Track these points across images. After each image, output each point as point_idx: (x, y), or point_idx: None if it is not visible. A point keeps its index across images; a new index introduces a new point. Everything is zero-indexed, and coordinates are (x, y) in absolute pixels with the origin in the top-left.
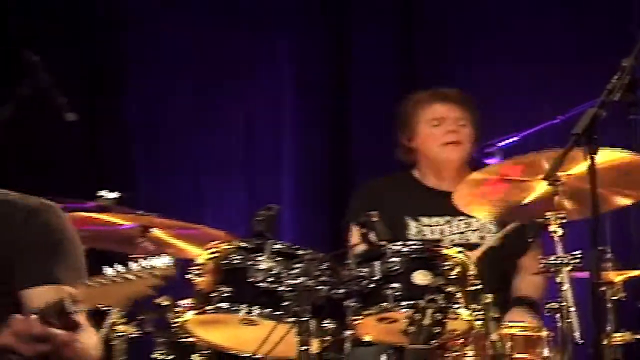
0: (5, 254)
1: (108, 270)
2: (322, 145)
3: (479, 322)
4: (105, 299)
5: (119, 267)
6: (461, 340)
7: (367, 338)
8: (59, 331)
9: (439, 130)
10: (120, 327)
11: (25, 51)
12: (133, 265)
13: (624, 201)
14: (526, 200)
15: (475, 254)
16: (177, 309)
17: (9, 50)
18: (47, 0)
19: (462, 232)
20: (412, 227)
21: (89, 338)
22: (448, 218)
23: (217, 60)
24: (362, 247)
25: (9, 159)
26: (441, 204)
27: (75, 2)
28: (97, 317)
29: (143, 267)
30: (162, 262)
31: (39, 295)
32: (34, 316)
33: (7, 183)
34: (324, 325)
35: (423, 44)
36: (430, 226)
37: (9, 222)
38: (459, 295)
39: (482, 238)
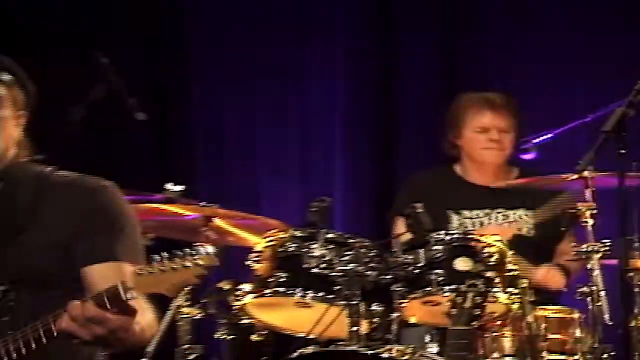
0: (67, 233)
1: (156, 259)
2: (370, 142)
3: (516, 305)
4: (154, 286)
5: (166, 256)
6: (499, 322)
7: (412, 320)
8: (113, 315)
9: (483, 137)
10: (185, 309)
11: (95, 53)
12: (179, 255)
13: None
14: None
15: (507, 232)
16: (237, 293)
17: (80, 52)
18: (116, 5)
19: (500, 224)
20: (454, 219)
21: (145, 320)
22: (487, 211)
23: (275, 64)
24: (407, 236)
25: (83, 155)
26: (481, 198)
27: (142, 6)
28: (162, 299)
29: (188, 256)
30: (206, 252)
31: (100, 272)
32: (89, 301)
33: None
34: (372, 308)
35: (463, 43)
36: (471, 218)
37: (70, 202)
38: (497, 280)
39: (518, 229)
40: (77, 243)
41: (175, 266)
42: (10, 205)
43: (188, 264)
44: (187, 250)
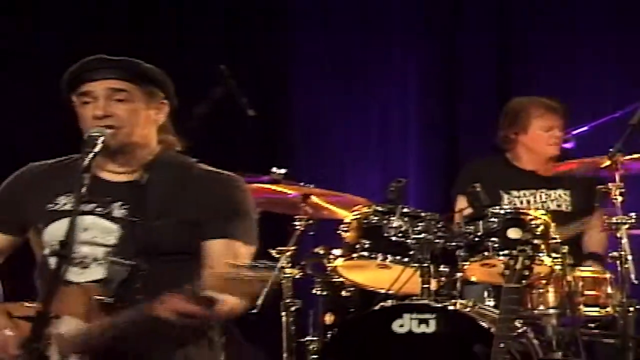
0: (195, 215)
1: (234, 269)
2: (438, 135)
3: (558, 267)
4: (227, 289)
5: (245, 268)
6: (544, 281)
7: (473, 279)
8: (196, 307)
9: (547, 135)
10: (288, 270)
11: (217, 65)
12: (255, 267)
13: None
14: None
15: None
16: (330, 257)
17: (202, 60)
18: (231, 19)
19: (543, 202)
20: (505, 198)
21: (232, 301)
22: (532, 191)
23: (360, 68)
24: (468, 211)
25: (206, 144)
26: (527, 180)
27: (255, 21)
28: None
29: (259, 272)
30: (271, 271)
31: (215, 246)
32: (179, 295)
33: (204, 162)
34: (440, 269)
35: (515, 45)
36: (519, 197)
37: (202, 189)
38: (542, 246)
39: (558, 206)
40: (203, 223)
41: (249, 277)
42: (156, 191)
43: (258, 277)
44: (259, 264)
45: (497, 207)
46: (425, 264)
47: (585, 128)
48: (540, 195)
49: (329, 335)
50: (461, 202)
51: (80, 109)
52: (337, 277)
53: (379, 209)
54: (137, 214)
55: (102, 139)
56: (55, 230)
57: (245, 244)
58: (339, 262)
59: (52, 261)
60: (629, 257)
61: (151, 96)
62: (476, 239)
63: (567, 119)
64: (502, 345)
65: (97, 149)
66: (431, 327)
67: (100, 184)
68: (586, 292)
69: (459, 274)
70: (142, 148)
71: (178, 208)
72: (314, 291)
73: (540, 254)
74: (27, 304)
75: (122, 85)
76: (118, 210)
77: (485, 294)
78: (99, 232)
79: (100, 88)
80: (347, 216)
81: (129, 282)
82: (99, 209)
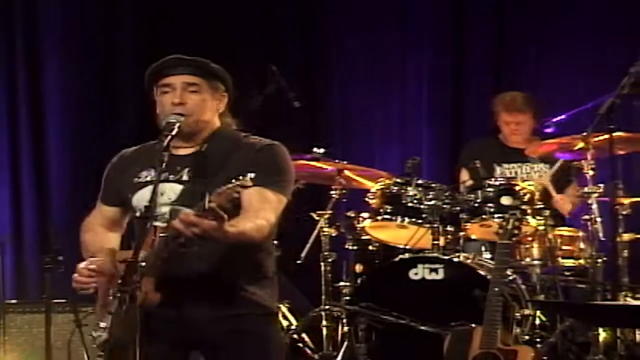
0: (241, 172)
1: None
2: (445, 121)
3: (541, 227)
4: (220, 204)
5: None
6: (530, 238)
7: (473, 236)
8: (206, 220)
9: (508, 128)
10: (325, 229)
11: (269, 65)
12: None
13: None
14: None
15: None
16: (360, 219)
17: (258, 60)
18: (283, 23)
19: (528, 173)
20: (497, 170)
21: (243, 226)
22: (520, 164)
23: (384, 66)
24: (469, 182)
25: (261, 130)
26: (515, 156)
27: (302, 25)
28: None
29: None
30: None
31: (247, 192)
32: (190, 211)
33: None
34: (447, 229)
35: (508, 52)
36: (509, 169)
37: (248, 153)
38: (529, 210)
39: (540, 176)
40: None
41: (223, 190)
42: (210, 159)
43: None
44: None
45: (493, 179)
46: (435, 225)
47: (563, 116)
48: (526, 168)
49: (358, 281)
50: (464, 175)
51: (160, 97)
52: (365, 235)
53: (398, 180)
54: (197, 174)
55: (178, 125)
56: (140, 197)
57: (274, 192)
58: (367, 223)
59: (139, 221)
60: (598, 219)
61: (215, 89)
62: (476, 204)
63: (534, 111)
64: (496, 289)
65: (174, 133)
66: (440, 275)
67: (174, 158)
68: (564, 247)
69: (461, 233)
70: (203, 127)
71: (229, 168)
72: (346, 246)
73: (527, 217)
74: (126, 252)
75: (195, 80)
76: (186, 175)
77: (483, 248)
78: (173, 194)
79: (178, 81)
80: (373, 186)
81: None
82: (171, 177)
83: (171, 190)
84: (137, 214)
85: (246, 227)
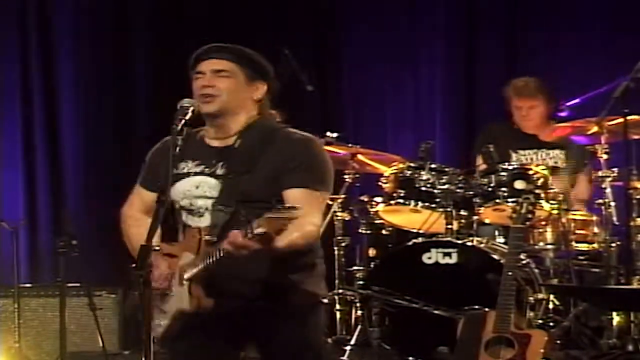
0: (278, 169)
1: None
2: (459, 107)
3: (555, 211)
4: (270, 227)
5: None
6: (544, 222)
7: (486, 221)
8: (251, 242)
9: (518, 113)
10: (339, 214)
11: (282, 48)
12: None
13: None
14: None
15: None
16: (373, 203)
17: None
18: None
19: (543, 159)
20: (513, 156)
21: (290, 238)
22: (535, 150)
23: (398, 51)
24: (483, 167)
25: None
26: (531, 142)
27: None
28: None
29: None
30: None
31: (293, 194)
32: (238, 232)
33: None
34: (460, 213)
35: (521, 43)
36: (524, 155)
37: (284, 148)
38: (542, 195)
39: (555, 163)
40: (284, 175)
41: (273, 216)
42: (246, 153)
43: (278, 216)
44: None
45: (506, 164)
46: (449, 209)
47: (577, 100)
48: (541, 154)
49: (372, 265)
50: (478, 160)
51: (193, 82)
52: (378, 219)
53: (412, 164)
54: (231, 171)
55: (191, 108)
56: (178, 188)
57: (319, 191)
58: (380, 207)
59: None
60: (612, 204)
61: (250, 77)
62: (489, 189)
63: (545, 96)
64: (510, 273)
65: (187, 117)
66: (453, 259)
67: (208, 150)
68: (577, 231)
69: (475, 217)
70: (236, 115)
71: (263, 164)
72: (360, 230)
73: (541, 201)
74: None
75: (225, 65)
76: (220, 170)
77: (496, 232)
78: (207, 187)
79: (207, 66)
80: (386, 171)
81: (229, 225)
82: (206, 169)
83: (206, 184)
84: (177, 206)
85: (295, 237)
